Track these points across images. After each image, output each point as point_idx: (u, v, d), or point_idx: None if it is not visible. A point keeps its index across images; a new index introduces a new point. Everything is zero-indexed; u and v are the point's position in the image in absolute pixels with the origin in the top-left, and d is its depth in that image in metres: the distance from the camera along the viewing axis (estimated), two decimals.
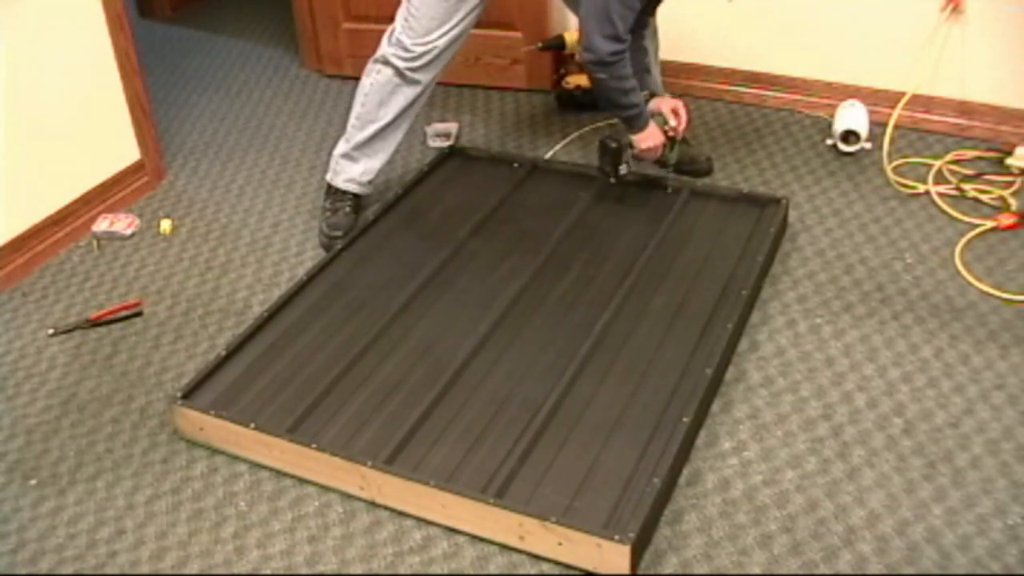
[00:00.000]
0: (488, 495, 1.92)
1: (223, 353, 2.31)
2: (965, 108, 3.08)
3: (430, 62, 2.68)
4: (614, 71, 2.56)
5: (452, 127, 3.34)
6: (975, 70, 3.04)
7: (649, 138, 2.73)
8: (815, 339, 2.37)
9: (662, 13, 3.39)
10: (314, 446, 2.05)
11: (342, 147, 2.79)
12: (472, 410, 2.16)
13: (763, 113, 3.34)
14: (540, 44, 3.39)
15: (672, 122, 2.80)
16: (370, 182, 2.82)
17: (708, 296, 2.44)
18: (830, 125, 3.14)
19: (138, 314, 2.60)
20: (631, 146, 2.75)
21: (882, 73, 3.16)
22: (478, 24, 3.50)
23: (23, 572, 1.95)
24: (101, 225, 2.96)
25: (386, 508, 2.01)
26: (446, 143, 3.24)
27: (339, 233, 2.74)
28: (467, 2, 2.65)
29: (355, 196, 2.82)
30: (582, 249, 2.65)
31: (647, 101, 2.80)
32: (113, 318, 2.59)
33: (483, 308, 2.45)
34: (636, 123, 2.71)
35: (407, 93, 2.71)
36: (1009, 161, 2.90)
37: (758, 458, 2.07)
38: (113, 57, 2.99)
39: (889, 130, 2.96)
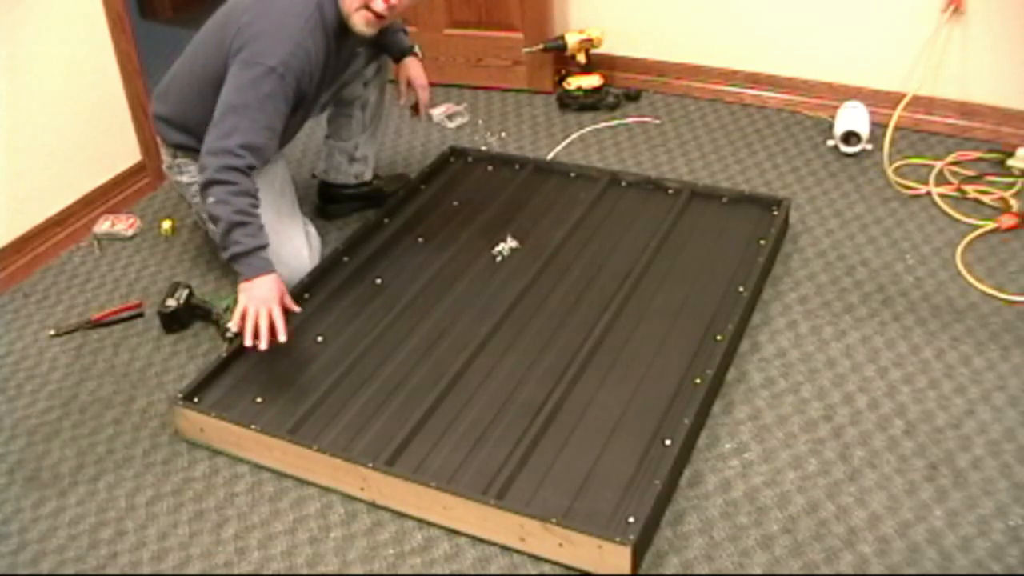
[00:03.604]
0: (489, 496, 1.92)
1: (224, 354, 2.31)
2: (966, 109, 3.08)
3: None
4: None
5: (458, 108, 3.44)
6: (976, 71, 3.04)
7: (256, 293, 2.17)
8: (816, 340, 2.37)
9: (662, 13, 3.41)
10: (315, 447, 2.05)
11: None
12: (473, 411, 2.16)
13: (764, 114, 3.34)
14: (541, 45, 3.40)
15: (402, 100, 2.80)
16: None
17: (709, 297, 2.44)
18: (831, 126, 3.14)
19: (139, 315, 2.60)
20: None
21: (883, 74, 3.15)
22: (480, 25, 3.53)
23: (24, 573, 1.95)
24: (102, 226, 2.96)
25: (387, 509, 2.01)
26: (461, 121, 3.39)
27: None
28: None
29: None
30: (583, 250, 2.65)
31: (399, 57, 2.74)
32: (114, 319, 2.59)
33: (484, 309, 2.45)
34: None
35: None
36: (1010, 162, 2.89)
37: (759, 459, 2.07)
38: (114, 58, 2.99)
39: (890, 131, 2.96)
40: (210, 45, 2.41)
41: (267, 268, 2.20)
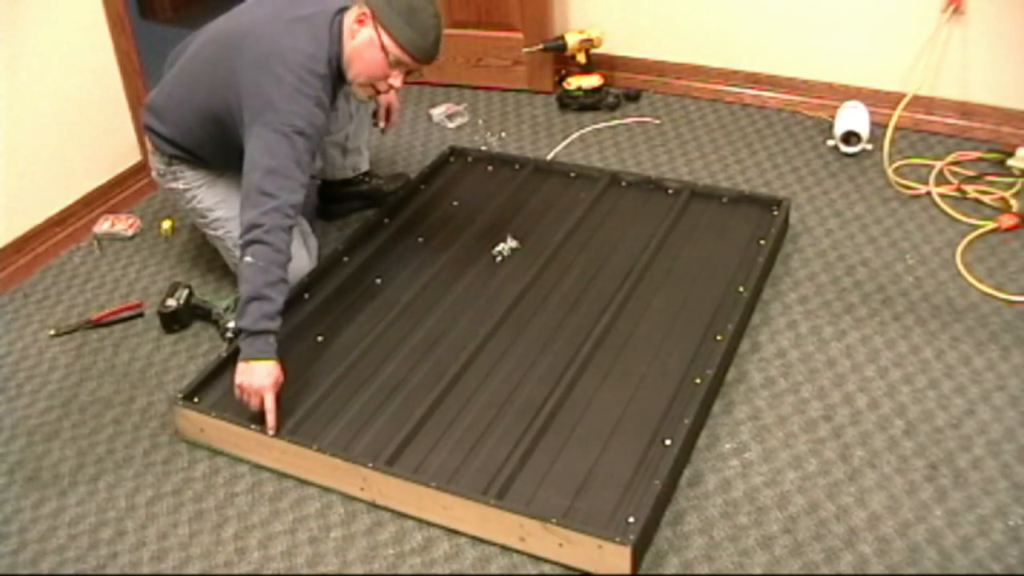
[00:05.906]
0: (489, 496, 1.92)
1: (224, 354, 2.31)
2: (966, 109, 3.08)
3: None
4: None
5: (459, 108, 3.45)
6: (976, 71, 3.04)
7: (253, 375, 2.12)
8: (816, 340, 2.37)
9: (662, 13, 3.41)
10: (315, 447, 2.05)
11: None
12: (473, 411, 2.16)
13: (764, 114, 3.34)
14: (541, 45, 3.40)
15: (382, 123, 2.74)
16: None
17: (709, 297, 2.44)
18: (831, 126, 3.14)
19: (139, 315, 2.60)
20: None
21: (883, 74, 3.15)
22: (480, 25, 3.53)
23: (24, 573, 1.95)
24: (102, 226, 2.96)
25: (387, 509, 2.01)
26: (461, 121, 3.39)
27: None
28: None
29: None
30: (583, 250, 2.65)
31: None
32: (114, 319, 2.59)
33: (484, 309, 2.45)
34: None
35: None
36: (1010, 162, 2.89)
37: (759, 459, 2.07)
38: (114, 58, 2.99)
39: (890, 131, 2.96)
40: (214, 80, 2.35)
41: (268, 353, 2.13)
